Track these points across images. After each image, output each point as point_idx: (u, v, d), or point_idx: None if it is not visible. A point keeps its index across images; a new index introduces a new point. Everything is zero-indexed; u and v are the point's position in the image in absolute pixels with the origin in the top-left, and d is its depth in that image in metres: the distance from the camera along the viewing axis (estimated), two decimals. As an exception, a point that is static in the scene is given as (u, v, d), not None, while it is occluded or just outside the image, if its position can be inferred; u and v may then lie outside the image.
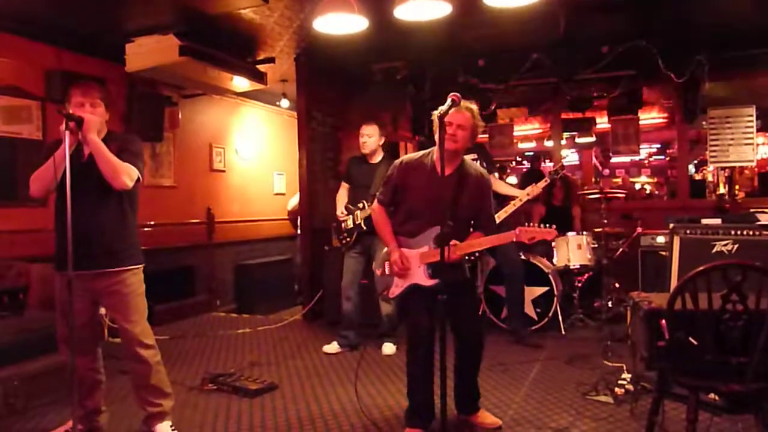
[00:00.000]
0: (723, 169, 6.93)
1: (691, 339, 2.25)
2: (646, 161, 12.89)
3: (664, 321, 2.30)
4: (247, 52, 5.71)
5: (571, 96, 6.36)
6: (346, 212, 4.63)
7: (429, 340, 2.91)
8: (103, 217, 2.80)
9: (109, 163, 2.71)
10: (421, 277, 2.90)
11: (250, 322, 6.14)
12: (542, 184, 4.48)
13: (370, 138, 4.57)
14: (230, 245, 7.42)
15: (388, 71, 6.30)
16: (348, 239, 4.60)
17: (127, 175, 2.75)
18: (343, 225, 4.63)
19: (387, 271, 3.02)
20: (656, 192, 11.80)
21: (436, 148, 2.79)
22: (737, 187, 7.38)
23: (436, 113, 2.60)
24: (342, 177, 4.87)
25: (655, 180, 12.43)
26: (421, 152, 3.01)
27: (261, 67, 5.83)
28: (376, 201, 3.11)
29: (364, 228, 4.44)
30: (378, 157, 4.62)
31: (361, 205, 4.52)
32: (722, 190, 7.11)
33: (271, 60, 5.89)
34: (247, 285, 7.40)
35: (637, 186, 11.91)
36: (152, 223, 6.13)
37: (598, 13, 4.85)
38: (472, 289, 3.31)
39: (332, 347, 4.67)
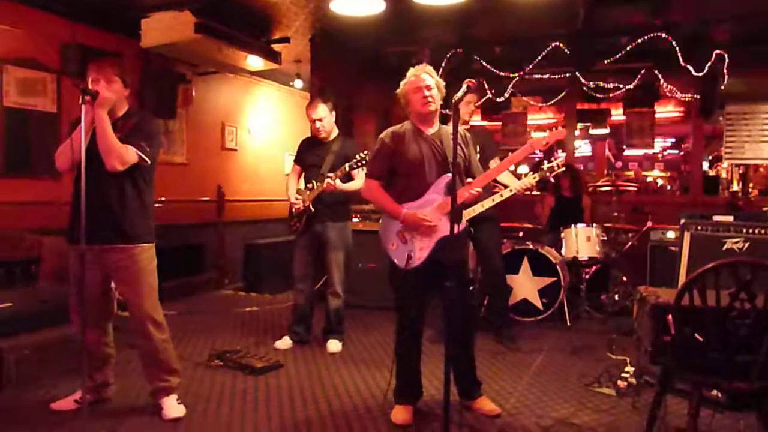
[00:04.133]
0: (737, 166, 6.86)
1: (696, 335, 2.25)
2: (659, 155, 12.77)
3: (670, 316, 2.31)
4: (261, 32, 5.70)
5: (587, 86, 6.29)
6: (299, 196, 4.24)
7: (418, 322, 3.04)
8: (115, 192, 2.82)
9: (106, 143, 2.71)
10: (447, 227, 2.85)
11: (258, 300, 6.20)
12: (530, 180, 3.88)
13: (323, 121, 4.16)
14: (240, 224, 7.46)
15: (403, 55, 6.26)
16: (298, 224, 4.25)
17: (119, 158, 2.73)
18: (294, 209, 4.26)
19: (401, 242, 2.99)
20: (668, 186, 11.71)
21: (409, 120, 3.07)
22: (751, 184, 7.31)
23: (455, 97, 2.59)
24: (294, 159, 4.42)
25: (668, 174, 12.33)
26: (399, 124, 3.10)
27: (276, 47, 5.82)
28: (366, 178, 3.10)
29: (312, 210, 4.14)
30: (332, 135, 4.28)
31: (311, 186, 4.17)
32: (736, 187, 7.05)
33: (286, 40, 5.88)
34: (256, 264, 7.45)
35: (649, 179, 11.83)
36: (163, 199, 6.16)
37: (617, 4, 4.79)
38: (463, 267, 3.29)
39: (284, 343, 4.33)
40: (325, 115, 4.19)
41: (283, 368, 3.85)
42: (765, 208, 4.75)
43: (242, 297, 6.55)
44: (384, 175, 3.05)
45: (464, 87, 2.49)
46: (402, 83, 3.02)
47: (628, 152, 11.64)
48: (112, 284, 3.05)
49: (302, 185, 4.36)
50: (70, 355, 3.60)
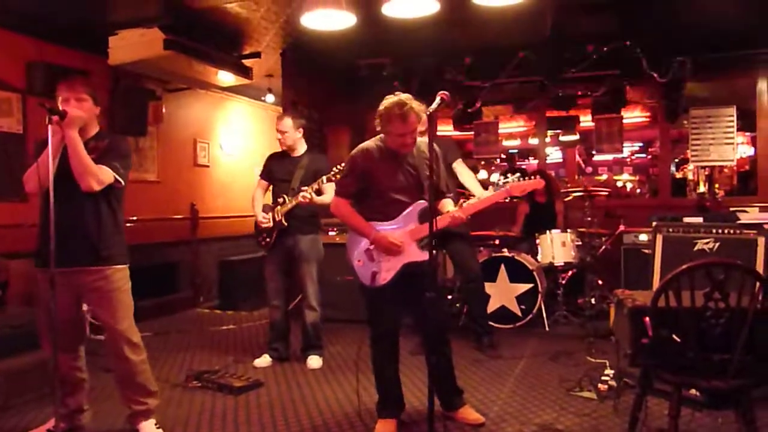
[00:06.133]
0: (703, 167, 7.03)
1: (674, 336, 2.29)
2: (628, 159, 13.01)
3: (647, 318, 2.34)
4: (232, 47, 5.66)
5: (556, 94, 6.41)
6: (264, 212, 4.23)
7: (393, 332, 3.03)
8: (87, 214, 2.76)
9: (81, 163, 2.65)
10: (415, 253, 2.90)
11: (235, 318, 6.11)
12: (490, 193, 3.33)
13: (285, 134, 4.21)
14: (214, 241, 7.37)
15: (374, 67, 6.29)
16: (268, 239, 4.22)
17: (95, 177, 2.68)
18: (263, 225, 4.22)
19: (368, 260, 2.98)
20: (638, 189, 11.94)
21: (383, 136, 2.96)
22: (717, 185, 7.49)
23: (429, 109, 2.60)
24: (260, 174, 4.42)
25: (637, 178, 12.56)
26: (371, 141, 3.03)
27: (247, 62, 5.78)
28: (335, 196, 3.07)
29: (285, 224, 4.12)
30: (300, 150, 4.30)
31: (281, 200, 4.16)
32: (702, 188, 7.22)
33: (257, 55, 5.85)
34: (231, 281, 7.35)
35: (619, 183, 12.05)
36: (135, 218, 6.06)
37: (584, 13, 4.90)
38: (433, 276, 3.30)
39: (263, 361, 4.28)
40: (288, 129, 4.21)
41: (263, 387, 3.79)
42: (732, 209, 4.87)
43: (218, 315, 6.45)
44: (354, 193, 3.02)
45: (438, 99, 2.52)
46: (388, 107, 2.82)
47: (597, 157, 11.84)
48: (84, 307, 2.97)
49: (269, 200, 4.33)
50: (42, 382, 3.51)
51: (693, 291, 2.19)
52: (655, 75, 5.43)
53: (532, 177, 3.10)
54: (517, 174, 3.34)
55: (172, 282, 6.72)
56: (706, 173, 7.32)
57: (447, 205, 3.05)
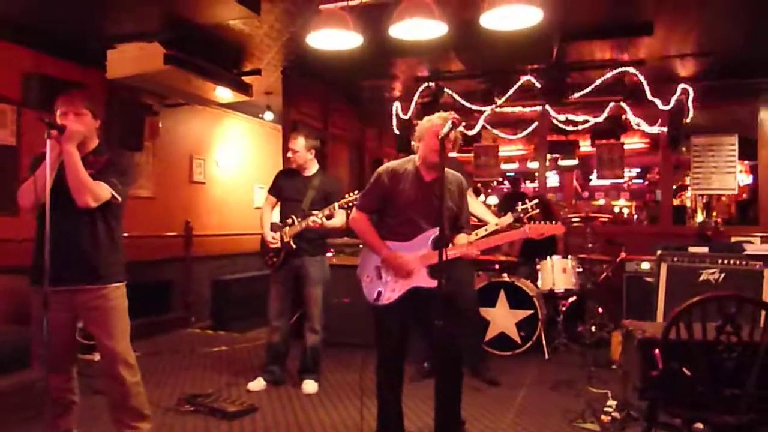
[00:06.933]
0: (701, 195, 7.03)
1: (684, 369, 2.22)
2: (625, 185, 13.05)
3: (657, 350, 2.27)
4: (233, 63, 5.63)
5: (557, 119, 6.40)
6: (273, 231, 4.15)
7: (397, 355, 2.96)
8: (84, 231, 2.68)
9: (77, 179, 2.57)
10: (424, 279, 2.86)
11: (227, 339, 5.99)
12: (508, 219, 3.83)
13: (296, 153, 4.15)
14: (208, 259, 7.26)
15: (375, 88, 6.28)
16: (275, 259, 4.16)
17: (91, 194, 2.60)
18: (271, 245, 4.14)
19: (377, 277, 2.93)
20: (635, 215, 11.94)
21: (416, 156, 2.94)
22: (715, 213, 7.48)
23: (441, 133, 2.56)
24: (269, 190, 4.35)
25: (634, 204, 12.58)
26: (401, 160, 3.02)
27: (246, 79, 5.75)
28: (356, 210, 3.04)
29: (293, 246, 4.05)
30: (312, 170, 4.22)
31: (290, 221, 4.08)
32: (700, 216, 7.20)
33: (257, 72, 5.82)
34: (224, 301, 7.23)
35: (617, 209, 12.07)
36: (127, 235, 5.94)
37: (589, 40, 4.90)
38: (445, 304, 3.22)
39: (257, 384, 4.16)
40: (299, 149, 4.15)
41: (257, 411, 3.67)
42: (734, 239, 4.84)
43: (211, 336, 6.32)
44: (374, 209, 2.99)
45: (449, 123, 2.48)
46: (432, 120, 2.84)
47: (594, 182, 11.88)
48: (79, 324, 2.87)
49: (276, 217, 4.26)
50: (27, 404, 3.37)
51: (705, 324, 2.13)
52: (658, 102, 5.44)
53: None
54: (528, 203, 3.36)
55: (165, 301, 6.59)
56: (704, 201, 7.32)
57: (461, 240, 2.99)
